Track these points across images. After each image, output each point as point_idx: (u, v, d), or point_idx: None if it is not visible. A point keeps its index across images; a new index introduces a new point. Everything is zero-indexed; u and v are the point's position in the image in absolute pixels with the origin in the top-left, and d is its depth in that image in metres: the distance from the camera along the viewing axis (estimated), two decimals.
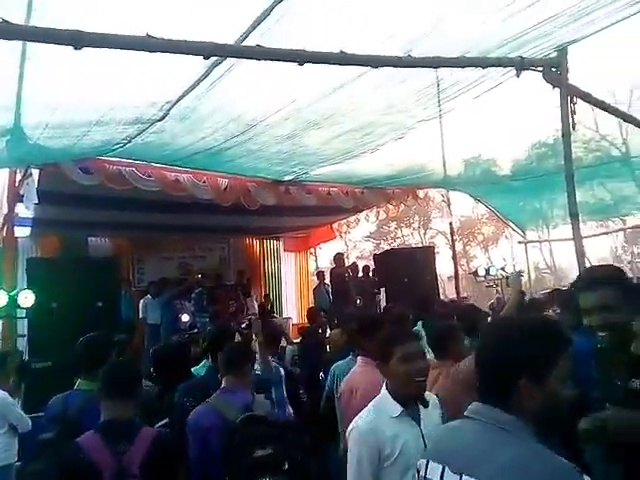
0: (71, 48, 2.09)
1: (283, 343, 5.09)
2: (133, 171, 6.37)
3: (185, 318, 7.85)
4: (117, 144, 4.63)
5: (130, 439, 1.83)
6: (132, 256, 10.85)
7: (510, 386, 1.18)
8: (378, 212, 10.99)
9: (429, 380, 2.40)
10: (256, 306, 11.08)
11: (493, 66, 3.93)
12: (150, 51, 2.29)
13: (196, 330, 7.26)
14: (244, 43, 2.82)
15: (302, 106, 4.14)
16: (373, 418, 1.99)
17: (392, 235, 35.04)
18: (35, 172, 6.27)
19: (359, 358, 3.15)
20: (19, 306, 5.26)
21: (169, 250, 11.15)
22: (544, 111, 6.25)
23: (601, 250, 29.32)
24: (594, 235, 12.62)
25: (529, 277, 12.05)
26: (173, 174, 6.74)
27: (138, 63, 2.91)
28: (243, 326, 6.82)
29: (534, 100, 6.01)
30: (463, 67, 3.77)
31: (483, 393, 1.26)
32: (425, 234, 33.17)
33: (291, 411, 3.90)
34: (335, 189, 8.46)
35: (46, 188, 6.57)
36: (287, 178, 7.65)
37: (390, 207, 10.54)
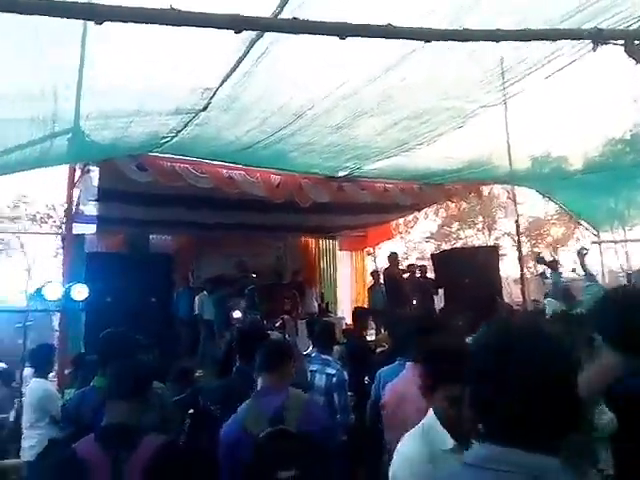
0: (92, 24, 1.94)
1: None
2: (187, 168, 6.41)
3: (237, 315, 7.83)
4: (164, 138, 4.58)
5: (131, 446, 1.66)
6: (191, 254, 11.07)
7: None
8: (438, 210, 10.54)
9: None
10: (315, 305, 10.98)
11: (564, 38, 3.47)
12: (174, 24, 2.12)
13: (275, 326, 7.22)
14: (279, 17, 2.60)
15: (349, 92, 3.88)
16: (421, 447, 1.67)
17: (454, 236, 33.76)
18: (94, 170, 6.47)
19: (408, 364, 2.83)
20: (73, 299, 5.37)
21: (227, 248, 11.24)
22: (616, 99, 5.62)
23: None
24: None
25: (602, 277, 11.09)
26: (226, 171, 6.72)
27: (171, 45, 2.79)
28: (277, 325, 6.65)
29: (614, 81, 5.37)
30: (529, 40, 3.35)
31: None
32: (490, 235, 31.72)
33: (352, 418, 3.64)
34: (391, 185, 8.12)
35: (106, 186, 6.78)
36: (341, 174, 7.42)
37: (451, 205, 10.09)
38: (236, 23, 2.36)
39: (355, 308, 6.63)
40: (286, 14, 2.58)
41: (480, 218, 30.51)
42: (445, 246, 33.96)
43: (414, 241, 33.86)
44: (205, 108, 3.85)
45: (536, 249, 32.03)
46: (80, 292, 5.34)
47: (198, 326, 9.10)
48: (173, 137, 4.64)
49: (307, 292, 11.10)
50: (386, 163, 6.82)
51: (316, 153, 5.79)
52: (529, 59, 3.86)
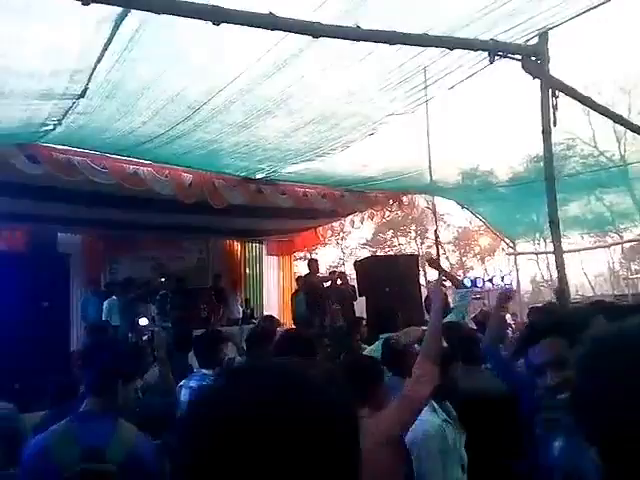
0: None
1: (233, 354, 4.54)
2: (85, 161, 5.91)
3: (143, 322, 7.32)
4: (44, 125, 4.13)
5: None
6: (103, 255, 10.35)
7: None
8: (365, 218, 10.51)
9: None
10: (240, 310, 10.60)
11: (462, 48, 3.42)
12: None
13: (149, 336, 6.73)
14: None
15: (245, 87, 3.64)
16: None
17: (388, 243, 34.54)
18: None
19: None
20: None
21: (144, 250, 10.63)
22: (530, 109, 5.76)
23: (598, 266, 28.86)
24: (590, 248, 12.07)
25: (519, 290, 11.55)
26: (131, 167, 6.28)
27: (25, 21, 2.43)
28: (144, 338, 6.27)
29: (519, 95, 5.48)
30: (425, 46, 3.27)
31: None
32: (422, 243, 32.65)
33: None
34: (312, 190, 7.96)
35: None
36: (258, 176, 7.17)
37: (375, 213, 10.08)
38: None
39: (263, 316, 6.35)
40: None
41: (412, 227, 31.38)
42: (380, 252, 34.70)
43: (350, 247, 34.30)
44: (83, 94, 3.47)
45: (464, 258, 33.41)
46: None
47: (106, 333, 8.48)
48: (56, 125, 4.20)
49: (230, 297, 10.71)
50: (303, 167, 6.65)
51: (225, 152, 5.51)
52: (431, 67, 3.80)
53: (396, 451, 1.85)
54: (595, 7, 3.47)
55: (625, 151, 8.19)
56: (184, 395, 3.37)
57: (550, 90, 3.80)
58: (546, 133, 3.86)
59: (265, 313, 12.18)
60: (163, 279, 8.58)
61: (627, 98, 6.99)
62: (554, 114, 3.82)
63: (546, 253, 11.58)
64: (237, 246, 12.19)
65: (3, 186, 6.48)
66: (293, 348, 2.37)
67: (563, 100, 3.97)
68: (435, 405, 2.20)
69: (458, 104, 5.10)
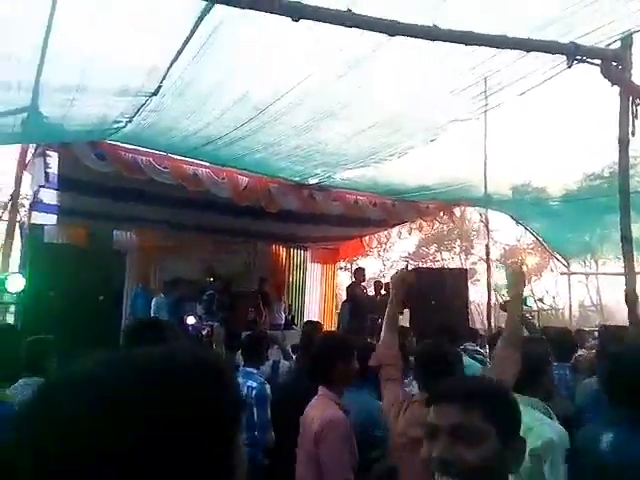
0: None
1: (277, 356, 4.53)
2: (149, 161, 6.11)
3: (190, 320, 7.44)
4: (116, 122, 4.28)
5: None
6: (154, 253, 10.62)
7: None
8: (413, 229, 10.37)
9: None
10: (282, 316, 10.66)
11: (540, 50, 3.30)
12: None
13: (202, 334, 6.83)
14: None
15: (313, 89, 3.65)
16: None
17: (431, 257, 33.94)
18: (52, 155, 6.12)
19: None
20: (6, 290, 4.96)
21: (194, 250, 10.84)
22: (599, 133, 5.51)
23: None
24: None
25: (570, 311, 11.09)
26: (191, 168, 6.44)
27: (111, 14, 2.52)
28: (204, 333, 6.30)
29: (594, 110, 5.25)
30: (502, 48, 3.17)
31: None
32: (467, 259, 31.91)
33: (273, 437, 3.36)
34: (363, 198, 7.93)
35: (65, 173, 6.42)
36: (311, 181, 7.19)
37: (425, 225, 9.93)
38: None
39: (305, 321, 6.29)
40: None
41: (458, 242, 30.74)
42: (422, 266, 34.09)
43: (391, 260, 33.95)
44: (156, 92, 3.57)
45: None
46: (15, 283, 4.93)
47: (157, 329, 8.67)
48: (127, 122, 4.34)
49: (274, 302, 10.77)
50: (358, 173, 6.62)
51: (283, 155, 5.55)
52: (503, 72, 3.69)
53: None
54: None
55: None
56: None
57: (631, 98, 3.61)
58: (623, 143, 3.66)
59: (305, 320, 12.24)
60: (211, 279, 8.72)
61: None
62: (633, 123, 3.63)
63: (604, 274, 11.05)
64: (283, 252, 12.27)
65: (71, 183, 6.78)
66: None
67: None
68: (551, 412, 2.08)
69: (517, 116, 4.97)
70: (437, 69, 3.60)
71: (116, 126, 4.38)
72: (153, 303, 8.70)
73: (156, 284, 10.14)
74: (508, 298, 2.25)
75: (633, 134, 3.73)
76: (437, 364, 2.06)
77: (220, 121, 4.34)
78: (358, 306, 8.59)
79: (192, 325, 7.36)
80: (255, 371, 3.50)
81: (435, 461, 1.12)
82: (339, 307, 9.96)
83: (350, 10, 2.51)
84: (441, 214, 9.05)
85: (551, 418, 2.04)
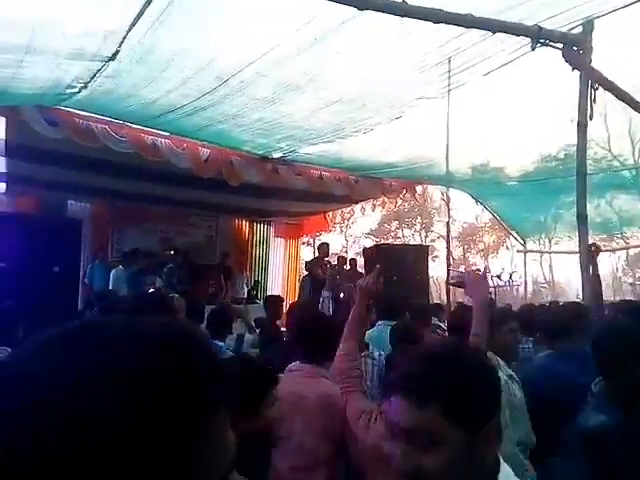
0: None
1: (240, 330, 4.51)
2: (105, 129, 5.85)
3: None
4: (69, 87, 4.05)
5: None
6: (111, 224, 10.30)
7: None
8: (376, 206, 10.46)
9: None
10: (245, 290, 10.63)
11: (505, 32, 3.33)
12: None
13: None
14: None
15: (278, 60, 3.55)
16: None
17: (393, 234, 34.48)
18: (0, 119, 5.78)
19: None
20: None
21: (153, 222, 10.59)
22: (557, 116, 5.64)
23: (602, 270, 28.69)
24: (622, 248, 12.02)
25: (525, 288, 11.55)
26: (150, 137, 6.22)
27: None
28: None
29: (552, 92, 5.37)
30: (469, 27, 3.17)
31: None
32: (427, 237, 32.58)
33: None
34: (327, 174, 7.90)
35: (12, 139, 6.10)
36: (275, 155, 7.09)
37: (386, 201, 10.02)
38: None
39: (267, 296, 6.28)
40: None
41: (418, 219, 31.28)
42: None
43: (354, 236, 34.25)
44: (114, 57, 3.39)
45: (468, 254, 33.37)
46: None
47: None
48: (82, 88, 4.12)
49: (236, 276, 10.72)
50: (322, 148, 6.57)
51: (247, 127, 5.43)
52: (468, 51, 3.70)
53: None
54: None
55: (639, 157, 8.11)
56: None
57: (590, 82, 3.70)
58: (582, 126, 3.77)
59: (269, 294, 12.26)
60: (171, 252, 8.55)
61: None
62: (591, 107, 3.74)
63: (561, 253, 11.51)
64: (246, 226, 12.15)
65: (18, 148, 6.44)
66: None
67: None
68: (500, 361, 2.14)
69: (479, 96, 5.03)
70: (404, 47, 3.57)
71: (70, 91, 4.16)
72: (112, 274, 8.48)
73: (113, 255, 9.89)
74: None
75: (591, 118, 3.85)
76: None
77: (181, 90, 4.19)
78: (322, 281, 8.63)
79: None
80: (222, 344, 3.48)
81: (397, 471, 0.94)
82: (301, 282, 9.98)
83: None
84: (404, 191, 9.14)
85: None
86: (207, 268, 10.19)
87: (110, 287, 8.43)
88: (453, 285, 3.95)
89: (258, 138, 5.97)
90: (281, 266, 12.88)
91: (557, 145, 7.34)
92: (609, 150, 8.17)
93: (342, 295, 7.20)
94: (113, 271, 8.62)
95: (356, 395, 2.01)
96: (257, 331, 4.81)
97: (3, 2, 2.64)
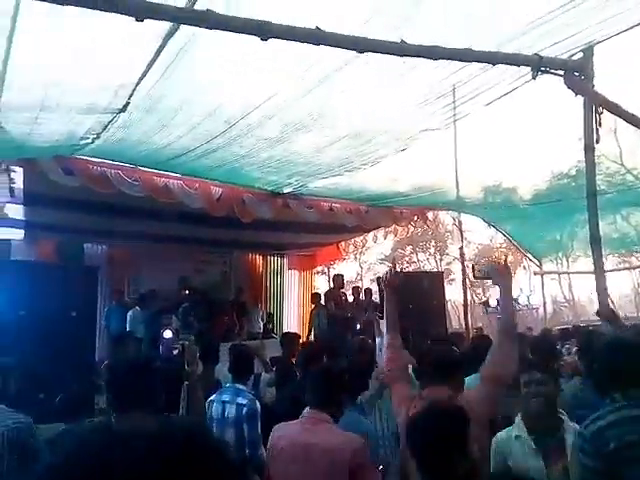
0: None
1: (256, 369, 4.48)
2: (118, 174, 6.00)
3: (167, 334, 7.29)
4: (83, 139, 4.19)
5: None
6: (128, 266, 10.42)
7: None
8: (388, 233, 10.45)
9: None
10: (260, 325, 10.56)
11: (505, 63, 3.37)
12: (59, 3, 1.81)
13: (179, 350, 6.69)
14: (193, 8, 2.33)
15: (283, 103, 3.64)
16: None
17: (407, 259, 34.26)
18: (17, 170, 5.96)
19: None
20: None
21: (168, 262, 10.67)
22: (566, 133, 5.65)
23: (623, 286, 28.25)
24: (616, 269, 11.83)
25: (545, 309, 11.35)
26: (162, 180, 6.35)
27: (76, 35, 2.46)
28: (174, 353, 6.19)
29: (555, 119, 5.39)
30: (468, 61, 3.23)
31: None
32: (441, 260, 32.33)
33: (264, 453, 3.32)
34: (338, 205, 7.96)
35: (31, 188, 6.27)
36: (286, 190, 7.18)
37: (398, 228, 10.01)
38: (140, 10, 2.08)
39: (283, 333, 6.22)
40: (200, 5, 2.30)
41: (432, 242, 31.11)
42: (398, 268, 34.31)
43: (368, 262, 34.11)
44: (124, 108, 3.51)
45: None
46: None
47: (129, 344, 8.50)
48: (95, 139, 4.25)
49: (251, 311, 10.68)
50: (332, 182, 6.64)
51: (256, 166, 5.53)
52: (470, 83, 3.75)
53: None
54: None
55: None
56: (216, 410, 3.31)
57: (594, 106, 3.72)
58: (589, 149, 3.78)
59: (285, 327, 12.17)
60: (187, 292, 8.59)
61: None
62: (597, 131, 3.75)
63: (577, 273, 11.34)
64: (259, 260, 12.21)
65: (35, 197, 6.61)
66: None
67: None
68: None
69: (486, 121, 5.07)
70: (406, 81, 3.63)
71: (83, 142, 4.29)
72: (129, 316, 8.54)
73: (130, 297, 9.97)
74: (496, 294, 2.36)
75: (597, 141, 3.85)
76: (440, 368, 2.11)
77: (191, 135, 4.29)
78: (337, 313, 8.59)
79: (165, 343, 7.22)
80: (244, 387, 3.44)
81: None
82: (310, 314, 9.92)
83: (319, 28, 2.51)
84: (415, 218, 9.15)
85: None
86: (223, 304, 10.19)
87: (127, 328, 8.49)
88: (479, 278, 3.97)
89: (268, 175, 6.06)
90: (296, 297, 12.85)
91: (568, 163, 7.31)
92: (622, 164, 8.13)
93: None
94: (130, 312, 8.69)
95: (400, 385, 2.22)
96: (273, 369, 4.77)
97: (18, 67, 2.76)
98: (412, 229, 12.52)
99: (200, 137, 4.40)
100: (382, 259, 33.62)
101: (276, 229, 8.82)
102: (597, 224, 3.75)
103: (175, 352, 6.04)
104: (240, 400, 3.21)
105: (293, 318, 12.54)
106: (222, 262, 11.50)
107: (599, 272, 3.94)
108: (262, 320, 10.90)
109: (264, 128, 4.19)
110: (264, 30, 2.34)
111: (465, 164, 5.55)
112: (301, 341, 7.43)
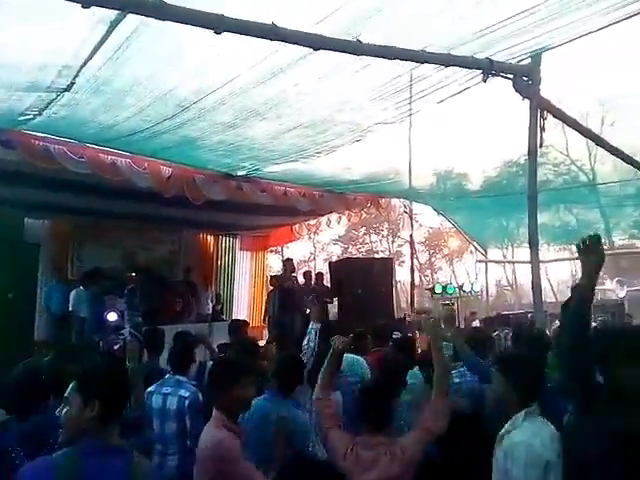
0: None
1: (202, 356, 4.45)
2: (62, 150, 5.71)
3: (112, 317, 7.11)
4: (22, 115, 3.96)
5: None
6: (71, 242, 9.96)
7: None
8: (341, 217, 10.53)
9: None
10: (209, 307, 10.42)
11: (457, 65, 3.45)
12: None
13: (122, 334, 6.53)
14: None
15: (237, 90, 3.57)
16: None
17: (360, 240, 34.75)
18: None
19: None
20: None
21: (114, 238, 10.28)
22: (517, 124, 5.86)
23: (562, 273, 29.94)
24: (556, 260, 12.49)
25: (487, 295, 11.86)
26: (110, 157, 6.09)
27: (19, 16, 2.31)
28: (115, 347, 6.08)
29: (507, 110, 5.56)
30: (422, 63, 3.27)
31: None
32: (394, 242, 33.01)
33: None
34: (292, 189, 7.93)
35: None
36: (239, 173, 7.08)
37: (352, 214, 10.11)
38: None
39: (231, 320, 6.16)
40: None
41: (386, 225, 31.67)
42: (352, 249, 34.86)
43: (322, 242, 34.32)
44: (69, 88, 3.34)
45: (434, 259, 33.97)
46: None
47: (72, 325, 8.19)
48: (36, 115, 4.03)
49: (201, 292, 10.53)
50: (287, 167, 6.60)
51: (208, 149, 5.41)
52: (424, 81, 3.81)
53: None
54: (587, 34, 3.54)
55: (595, 162, 8.48)
56: (156, 401, 3.22)
57: (539, 111, 3.87)
58: (532, 154, 3.94)
59: (235, 308, 12.11)
60: (133, 274, 8.31)
61: (601, 109, 7.27)
62: (541, 135, 3.90)
63: (517, 262, 11.88)
64: (210, 240, 12.01)
65: None
66: None
67: None
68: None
69: (440, 114, 5.17)
70: (362, 76, 3.64)
71: (22, 118, 4.05)
72: (72, 296, 8.17)
73: (74, 275, 9.58)
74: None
75: (541, 145, 4.02)
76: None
77: (140, 116, 4.15)
78: (289, 297, 8.63)
79: (112, 321, 7.02)
80: (185, 379, 3.41)
81: None
82: (267, 297, 9.92)
83: (274, 24, 2.47)
84: (368, 204, 9.26)
85: None
86: (172, 285, 9.98)
87: (70, 308, 8.18)
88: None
89: (221, 158, 5.96)
90: (248, 279, 12.78)
91: (518, 152, 7.55)
92: (567, 155, 8.52)
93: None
94: (73, 292, 8.34)
95: (335, 430, 2.30)
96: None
97: None
98: (364, 217, 12.70)
99: (150, 119, 4.26)
100: (336, 240, 33.92)
101: (228, 210, 8.69)
102: (535, 226, 3.94)
103: (116, 347, 5.89)
104: (182, 392, 3.19)
105: (244, 299, 12.48)
106: (171, 241, 11.19)
107: (535, 271, 4.16)
108: (212, 302, 10.78)
109: (217, 113, 4.10)
110: (217, 23, 2.28)
111: (419, 152, 5.65)
112: (250, 326, 7.43)
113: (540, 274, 4.29)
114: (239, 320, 6.24)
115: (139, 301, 8.01)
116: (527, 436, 1.88)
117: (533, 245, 4.09)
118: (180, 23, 2.25)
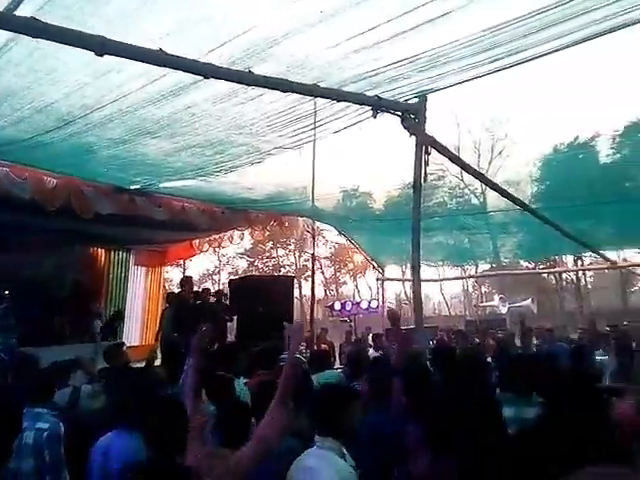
0: None
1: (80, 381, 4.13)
2: None
3: None
4: None
5: None
6: None
7: None
8: (244, 233, 10.42)
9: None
10: (99, 325, 9.72)
11: (348, 101, 3.60)
12: None
13: None
14: (16, 12, 2.07)
15: (126, 109, 3.43)
16: None
17: (267, 255, 34.66)
18: None
19: None
20: None
21: None
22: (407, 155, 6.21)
23: (455, 287, 32.28)
24: (448, 279, 13.38)
25: (384, 312, 12.35)
26: None
27: None
28: None
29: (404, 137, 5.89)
30: (314, 96, 3.38)
31: None
32: (300, 257, 33.34)
33: (67, 476, 3.08)
34: (190, 205, 7.71)
35: None
36: (133, 187, 6.75)
37: (255, 230, 10.06)
38: None
39: (107, 347, 5.71)
40: (26, 11, 2.06)
41: (292, 240, 31.91)
42: (258, 263, 34.59)
43: (228, 256, 33.68)
44: None
45: (339, 273, 34.82)
46: None
47: None
48: None
49: (91, 309, 9.83)
50: (184, 183, 6.43)
51: (98, 162, 5.11)
52: (319, 113, 3.92)
53: None
54: (467, 81, 3.86)
55: (485, 187, 9.23)
56: (27, 437, 3.00)
57: (424, 147, 4.14)
58: (417, 187, 4.20)
59: (127, 326, 11.41)
60: (7, 292, 7.55)
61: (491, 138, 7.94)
62: (425, 170, 4.18)
63: (408, 280, 12.52)
64: (101, 254, 11.26)
65: None
66: None
67: None
68: (344, 451, 2.23)
69: (343, 137, 5.35)
70: (259, 102, 3.67)
71: None
72: None
73: None
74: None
75: (425, 180, 4.30)
76: None
77: (17, 127, 3.82)
78: (186, 315, 8.30)
79: None
80: (44, 411, 3.15)
81: None
82: (161, 315, 9.48)
83: (162, 50, 2.42)
84: (271, 222, 9.27)
85: None
86: (54, 303, 9.20)
87: None
88: None
89: (114, 172, 5.65)
90: (142, 295, 12.15)
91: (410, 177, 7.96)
92: (462, 179, 9.17)
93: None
94: None
95: (195, 443, 2.27)
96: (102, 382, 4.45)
97: None
98: (267, 234, 12.69)
99: (30, 130, 3.94)
100: (242, 253, 33.49)
101: (120, 224, 8.23)
102: (418, 257, 4.19)
103: None
104: (40, 425, 2.97)
105: (137, 316, 11.84)
106: (57, 255, 10.38)
107: (417, 295, 4.45)
108: (101, 321, 10.09)
109: (106, 129, 3.90)
110: (97, 45, 2.17)
111: (324, 172, 5.76)
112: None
113: (421, 296, 4.63)
114: (115, 345, 5.93)
115: (15, 321, 7.33)
116: None
117: (415, 270, 4.37)
118: (57, 42, 2.12)
